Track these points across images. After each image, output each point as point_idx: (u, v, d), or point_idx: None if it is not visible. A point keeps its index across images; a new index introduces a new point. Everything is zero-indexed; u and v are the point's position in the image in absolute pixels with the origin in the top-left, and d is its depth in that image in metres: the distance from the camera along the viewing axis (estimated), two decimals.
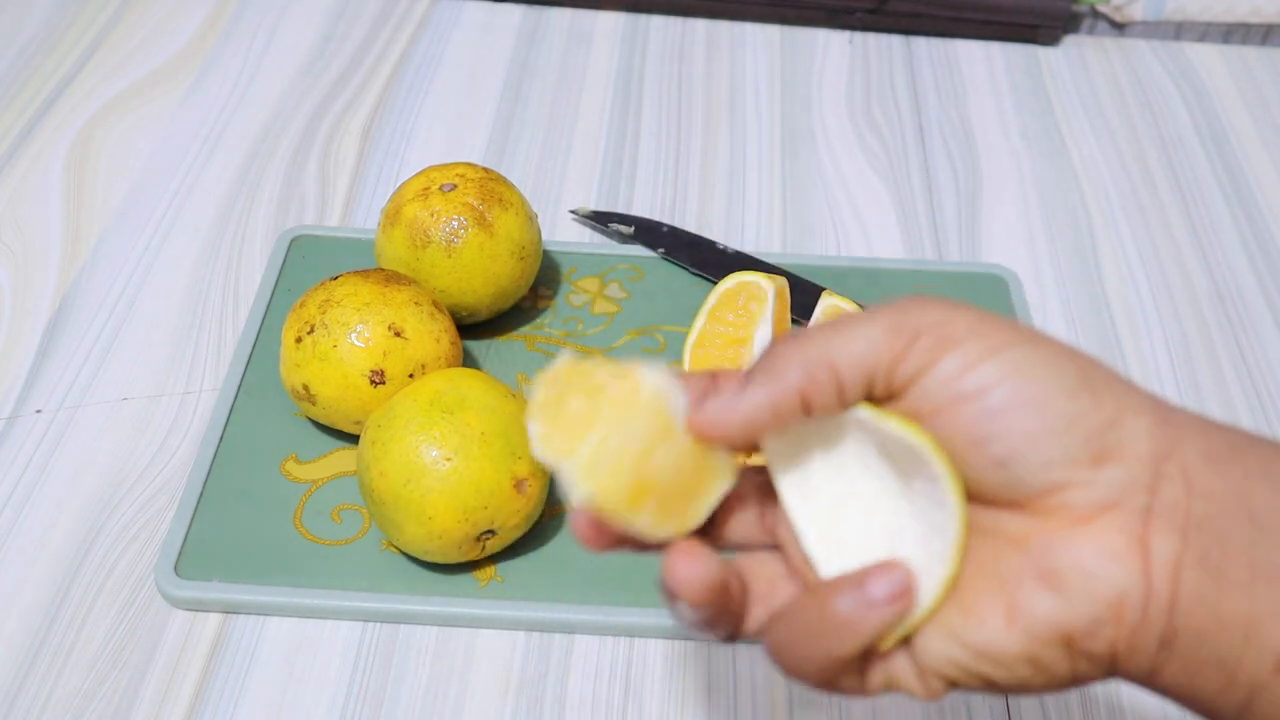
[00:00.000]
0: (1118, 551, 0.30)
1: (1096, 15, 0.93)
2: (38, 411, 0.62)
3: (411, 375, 0.56)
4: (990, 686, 0.31)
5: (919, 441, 0.31)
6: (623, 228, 0.72)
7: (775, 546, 0.36)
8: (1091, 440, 0.30)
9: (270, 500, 0.57)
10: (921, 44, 0.91)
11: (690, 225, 0.75)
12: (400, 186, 0.64)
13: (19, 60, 0.86)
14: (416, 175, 0.64)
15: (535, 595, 0.54)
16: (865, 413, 0.32)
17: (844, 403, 0.32)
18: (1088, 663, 0.30)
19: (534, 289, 0.68)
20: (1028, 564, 0.30)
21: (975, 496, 0.31)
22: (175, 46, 0.88)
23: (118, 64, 0.86)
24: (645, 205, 0.76)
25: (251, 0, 0.93)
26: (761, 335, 0.59)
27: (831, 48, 0.91)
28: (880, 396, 0.32)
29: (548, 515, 0.57)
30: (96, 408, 0.62)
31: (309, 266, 0.69)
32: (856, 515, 0.33)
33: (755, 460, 0.35)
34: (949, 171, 0.80)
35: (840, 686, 0.33)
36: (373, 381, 0.56)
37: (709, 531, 0.35)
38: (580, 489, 0.31)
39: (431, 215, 0.61)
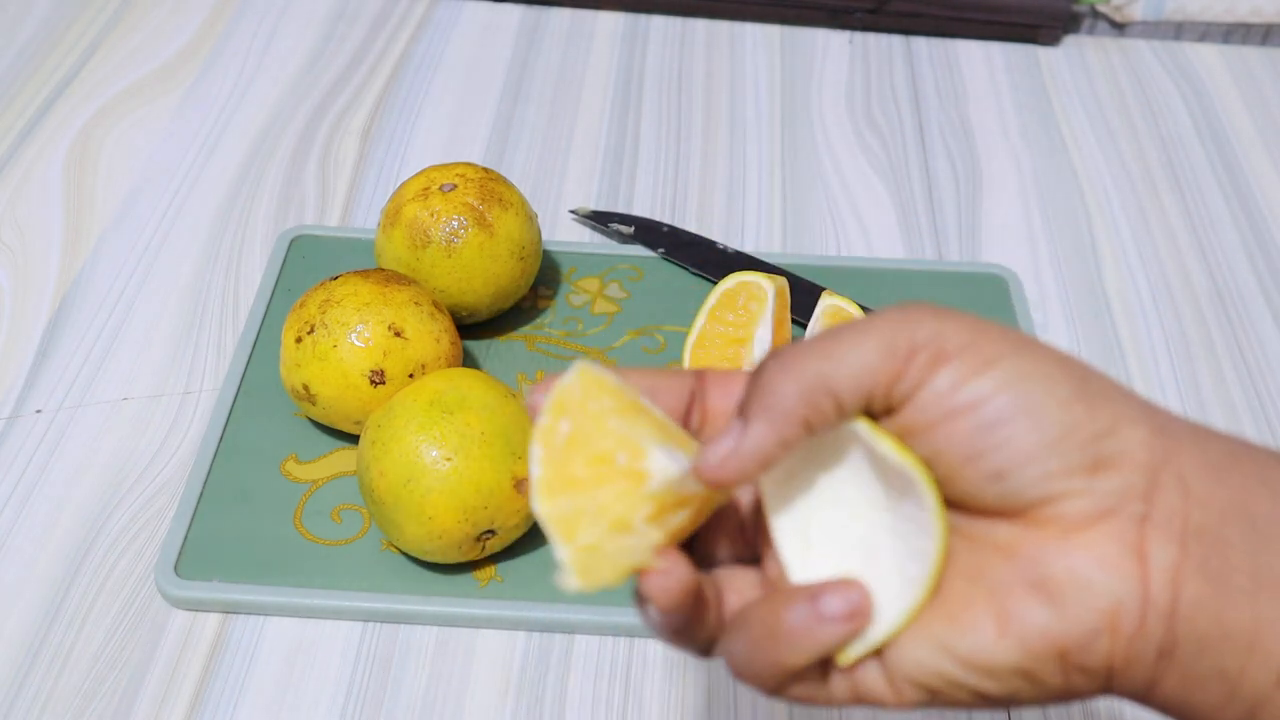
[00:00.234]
0: (1113, 559, 0.29)
1: (1096, 15, 0.93)
2: (38, 411, 0.62)
3: (411, 375, 0.56)
4: (980, 699, 0.31)
5: (911, 470, 0.30)
6: (623, 228, 0.72)
7: (755, 561, 0.35)
8: (1087, 450, 0.29)
9: (270, 500, 0.57)
10: (921, 44, 0.91)
11: (690, 225, 0.75)
12: (400, 186, 0.64)
13: (19, 60, 0.86)
14: (416, 175, 0.64)
15: (535, 595, 0.54)
16: (861, 427, 0.31)
17: (843, 420, 0.31)
18: (1082, 676, 0.30)
19: (534, 289, 0.68)
20: (1020, 573, 0.30)
21: (968, 507, 0.31)
22: (175, 46, 0.88)
23: (118, 64, 0.86)
24: (645, 205, 0.76)
25: (251, 0, 0.93)
26: (761, 335, 0.59)
27: (831, 48, 0.91)
28: (878, 412, 0.31)
29: None
30: (96, 408, 0.63)
31: (309, 266, 0.69)
32: (838, 523, 0.33)
33: None
34: (949, 171, 0.80)
35: (793, 695, 0.32)
36: (373, 381, 0.56)
37: (690, 544, 0.35)
38: (569, 581, 0.30)
39: (431, 215, 0.61)
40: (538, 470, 0.30)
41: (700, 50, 0.90)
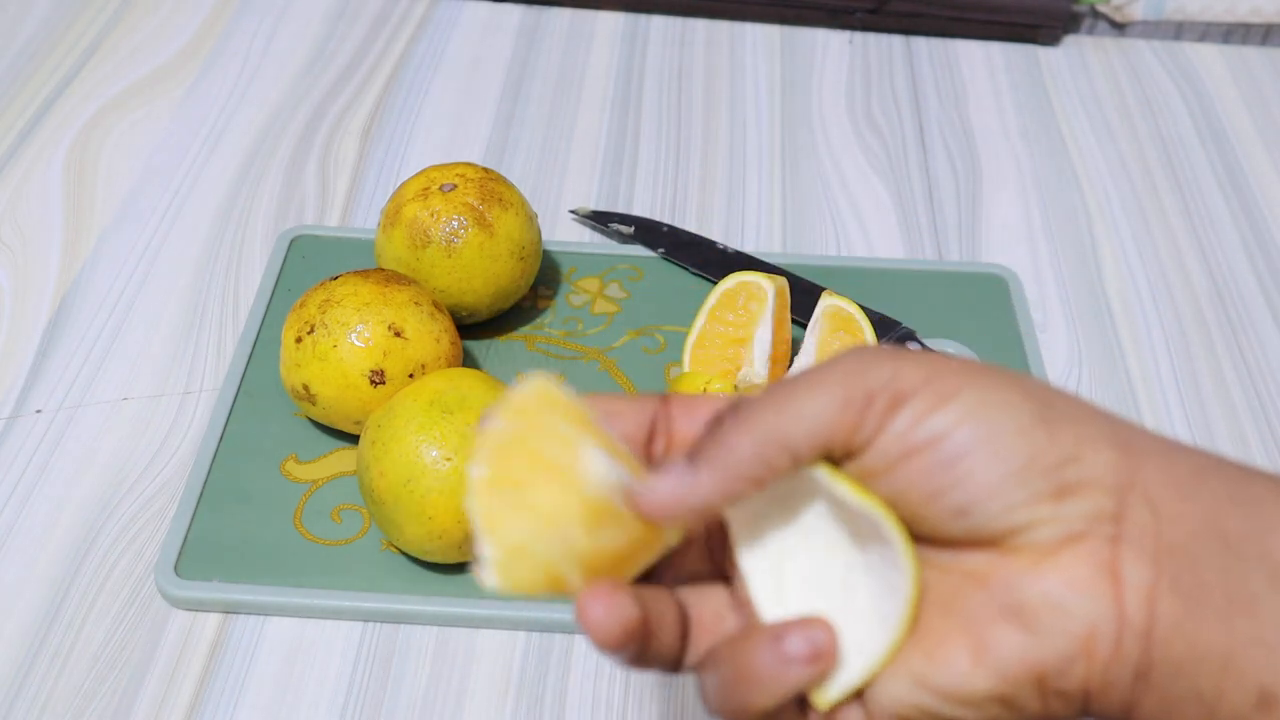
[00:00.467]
0: (1086, 581, 0.29)
1: (1096, 15, 0.93)
2: (38, 411, 0.62)
3: (411, 375, 0.56)
4: None
5: (873, 511, 0.30)
6: (623, 228, 0.72)
7: (724, 578, 0.35)
8: (1050, 477, 0.29)
9: (270, 500, 0.57)
10: (921, 44, 0.91)
11: (690, 225, 0.75)
12: (400, 186, 0.64)
13: (19, 60, 0.86)
14: (416, 175, 0.64)
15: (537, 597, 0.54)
16: (820, 474, 0.31)
17: (799, 468, 0.31)
18: (1060, 700, 0.29)
19: (534, 289, 0.68)
20: (993, 601, 0.30)
21: (936, 540, 0.31)
22: (175, 46, 0.88)
23: (118, 64, 0.86)
24: (645, 205, 0.76)
25: (251, 0, 0.93)
26: (761, 335, 0.59)
27: (831, 48, 0.91)
28: (838, 458, 0.31)
29: None
30: (96, 408, 0.63)
31: (309, 266, 0.69)
32: (812, 564, 0.32)
33: None
34: (949, 171, 0.80)
35: None
36: (373, 381, 0.56)
37: (654, 568, 0.34)
38: (488, 579, 0.30)
39: (431, 215, 0.61)
40: (477, 470, 0.30)
41: (700, 50, 0.90)
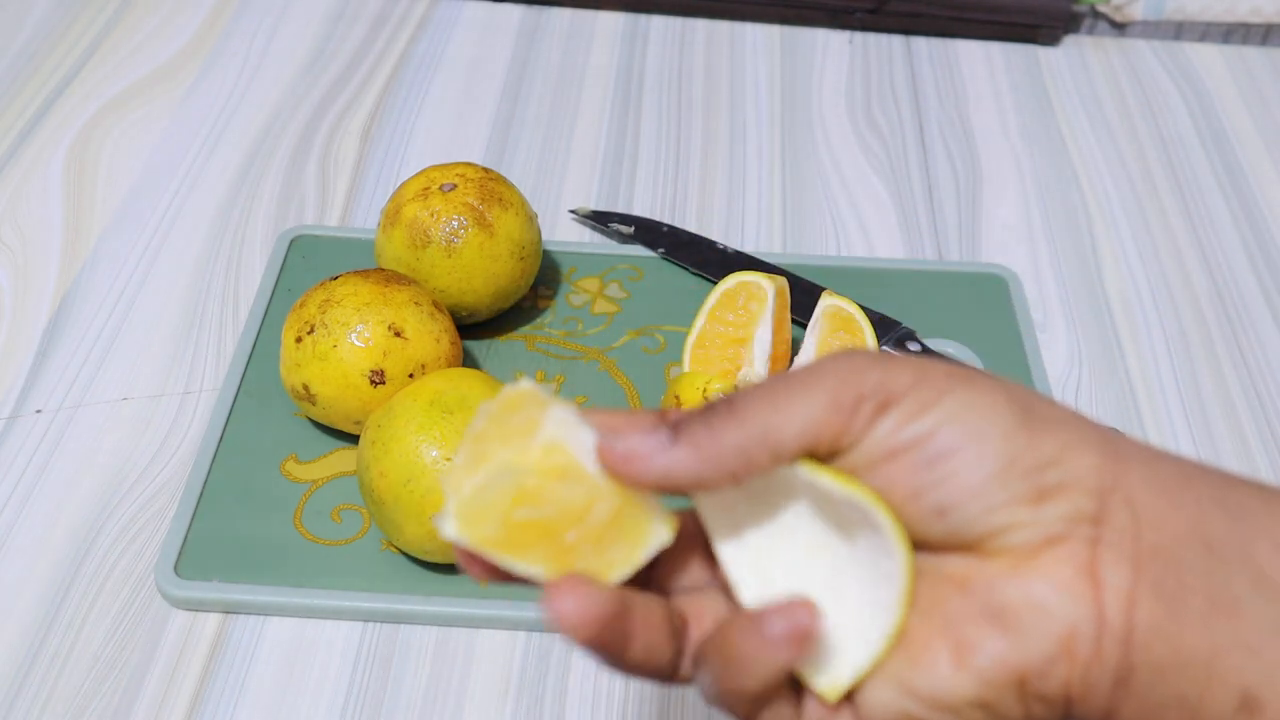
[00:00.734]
0: (1066, 582, 0.29)
1: (1096, 15, 0.93)
2: (38, 411, 0.62)
3: (411, 375, 0.56)
4: None
5: (860, 496, 0.30)
6: (623, 228, 0.72)
7: (726, 589, 0.34)
8: (1030, 479, 0.29)
9: (270, 500, 0.57)
10: (921, 44, 0.91)
11: (690, 225, 0.75)
12: (400, 186, 0.64)
13: (19, 60, 0.86)
14: (416, 175, 0.64)
15: (535, 595, 0.54)
16: (802, 470, 0.31)
17: (779, 466, 0.31)
18: (1041, 705, 0.29)
19: (534, 289, 0.68)
20: (974, 604, 0.30)
21: (917, 543, 0.31)
22: (175, 46, 0.88)
23: (118, 64, 0.86)
24: (645, 205, 0.76)
25: (251, 0, 0.93)
26: (761, 335, 0.59)
27: (831, 48, 0.91)
28: (822, 458, 0.31)
29: None
30: (96, 408, 0.63)
31: (309, 266, 0.69)
32: (796, 564, 0.32)
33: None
34: (949, 171, 0.80)
35: None
36: (373, 381, 0.56)
37: (649, 577, 0.34)
38: (448, 529, 0.30)
39: (431, 215, 0.61)
40: (456, 460, 0.31)
41: (700, 50, 0.90)
